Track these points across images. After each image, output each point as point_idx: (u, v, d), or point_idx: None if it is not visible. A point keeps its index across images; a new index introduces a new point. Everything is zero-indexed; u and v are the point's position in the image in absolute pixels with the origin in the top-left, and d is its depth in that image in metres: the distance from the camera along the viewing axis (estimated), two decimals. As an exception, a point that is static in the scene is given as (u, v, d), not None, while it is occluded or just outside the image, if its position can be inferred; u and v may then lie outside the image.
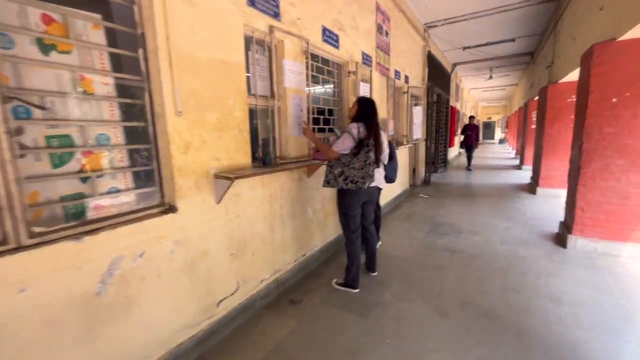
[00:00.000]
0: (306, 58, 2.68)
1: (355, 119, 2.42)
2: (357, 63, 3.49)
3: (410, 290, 2.55)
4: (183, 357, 1.77)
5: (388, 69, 4.67)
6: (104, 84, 1.48)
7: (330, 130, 3.22)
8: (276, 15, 2.33)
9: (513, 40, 7.83)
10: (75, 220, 1.38)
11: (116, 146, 1.53)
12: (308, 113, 2.93)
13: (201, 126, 1.80)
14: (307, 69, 2.70)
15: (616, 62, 2.90)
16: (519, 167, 9.45)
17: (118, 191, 1.55)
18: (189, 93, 1.71)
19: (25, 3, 1.23)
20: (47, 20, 1.30)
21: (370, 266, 2.81)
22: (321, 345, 1.93)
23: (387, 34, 4.56)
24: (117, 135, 1.55)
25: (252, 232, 2.24)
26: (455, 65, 10.32)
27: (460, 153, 14.12)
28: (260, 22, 2.19)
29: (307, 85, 2.75)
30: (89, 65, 1.43)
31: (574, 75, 4.29)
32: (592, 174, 3.15)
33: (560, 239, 3.55)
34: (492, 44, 8.10)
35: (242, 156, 2.10)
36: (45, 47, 1.30)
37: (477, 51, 8.70)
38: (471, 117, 9.30)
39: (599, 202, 3.15)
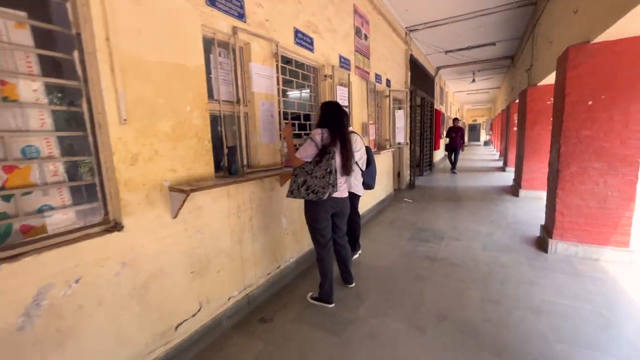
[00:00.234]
0: (276, 61, 2.55)
1: (319, 124, 2.29)
2: (333, 67, 3.39)
3: (388, 303, 2.44)
4: (133, 390, 1.60)
5: (368, 73, 4.60)
6: (31, 90, 1.32)
7: (307, 135, 3.10)
8: (241, 16, 2.20)
9: (494, 44, 7.93)
10: (-7, 245, 1.21)
11: (48, 159, 1.37)
12: (284, 119, 2.82)
13: (152, 135, 1.65)
14: (277, 72, 2.58)
15: (591, 65, 2.88)
16: (502, 169, 9.54)
17: (52, 209, 1.38)
18: (136, 99, 1.56)
19: None
20: (-45, 17, 1.14)
21: (346, 279, 2.68)
22: (289, 370, 1.79)
23: (366, 37, 4.49)
24: (49, 146, 1.38)
25: (217, 248, 2.09)
26: (438, 68, 10.40)
27: (445, 155, 14.22)
28: (222, 23, 2.06)
29: (279, 89, 2.63)
30: (12, 69, 1.27)
31: (551, 78, 4.30)
32: (571, 177, 3.12)
33: (541, 243, 3.51)
34: (473, 47, 8.17)
35: (203, 166, 1.95)
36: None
37: (460, 55, 8.78)
38: (455, 119, 9.32)
39: (578, 205, 3.12)
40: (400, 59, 6.44)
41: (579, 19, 3.11)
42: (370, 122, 4.75)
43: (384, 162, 5.57)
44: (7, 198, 1.27)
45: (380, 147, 5.40)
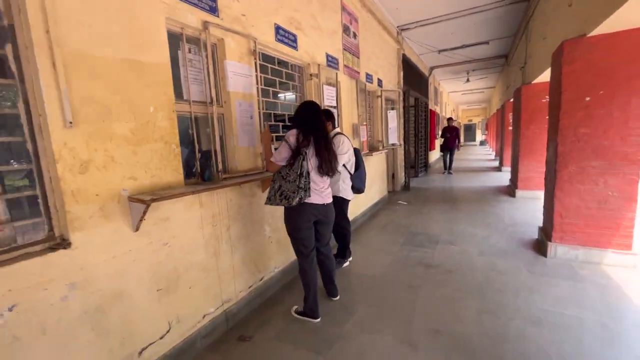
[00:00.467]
0: (255, 59, 2.39)
1: (294, 125, 2.12)
2: (319, 65, 3.23)
3: (378, 317, 2.27)
4: None
5: (358, 72, 4.45)
6: (-46, 89, 1.14)
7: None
8: (212, 10, 2.03)
9: (487, 42, 7.83)
10: None
11: (-23, 169, 1.19)
12: (267, 120, 2.66)
13: (107, 140, 1.47)
14: (256, 71, 2.41)
15: (587, 59, 2.75)
16: (498, 169, 9.43)
17: (-17, 226, 1.20)
18: (86, 99, 1.39)
19: None
20: None
21: (329, 291, 2.50)
22: (266, 398, 1.61)
23: (355, 35, 4.35)
24: (-21, 154, 1.21)
25: (189, 261, 1.91)
26: (432, 68, 10.30)
27: (441, 156, 14.12)
28: (190, 16, 1.90)
29: (258, 89, 2.46)
30: None
31: (546, 76, 4.17)
32: (569, 177, 2.98)
33: (540, 247, 3.36)
34: (466, 46, 8.07)
35: (170, 173, 1.78)
36: None
37: (453, 54, 8.67)
38: (449, 119, 9.18)
39: (577, 206, 2.98)
40: (392, 58, 6.31)
41: (574, 12, 2.98)
42: (362, 123, 4.59)
43: (377, 163, 5.42)
44: None
45: (373, 149, 5.25)
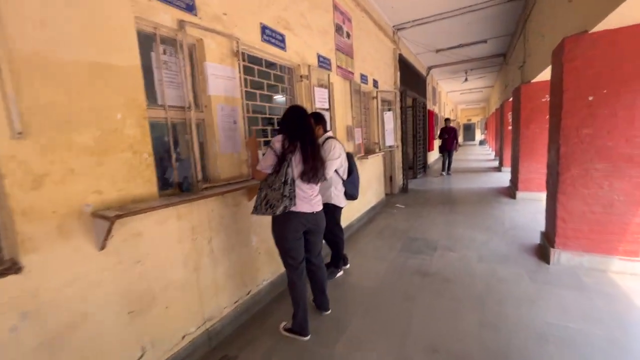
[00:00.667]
0: (238, 60, 2.26)
1: (279, 130, 2.02)
2: (309, 66, 3.10)
3: (371, 332, 2.13)
4: None
5: (352, 73, 4.32)
6: None
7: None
8: (189, 8, 1.90)
9: (485, 41, 7.71)
10: None
11: None
12: (253, 125, 2.53)
13: (65, 150, 1.34)
14: (240, 72, 2.28)
15: (590, 57, 2.61)
16: (498, 169, 9.29)
17: None
18: (40, 107, 1.25)
19: None
20: None
21: (320, 304, 2.37)
22: None
23: (348, 35, 4.22)
24: None
25: (165, 279, 1.77)
26: (430, 68, 10.18)
27: (440, 157, 13.99)
28: (163, 15, 1.76)
29: (243, 92, 2.33)
30: None
31: (546, 75, 4.04)
32: (572, 180, 2.84)
33: (542, 253, 3.22)
34: (464, 45, 7.95)
35: (142, 184, 1.64)
36: None
37: (450, 53, 8.55)
38: (447, 120, 9.02)
39: (581, 211, 2.84)
40: (388, 58, 6.18)
41: (574, 8, 2.85)
42: (356, 125, 4.46)
43: (373, 166, 5.28)
44: None
45: (369, 151, 5.11)
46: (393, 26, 6.29)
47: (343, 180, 2.81)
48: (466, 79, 11.47)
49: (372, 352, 1.93)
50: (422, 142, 9.57)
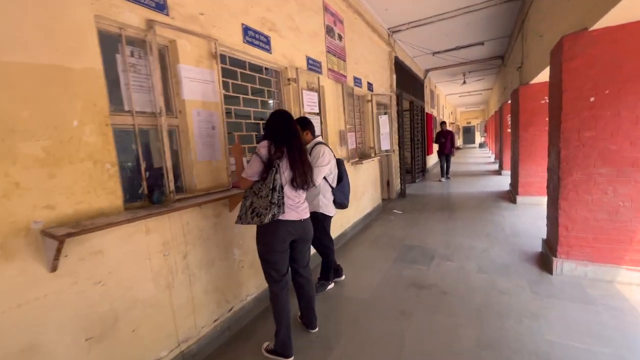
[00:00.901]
0: (217, 63, 2.13)
1: (264, 135, 1.92)
2: (297, 69, 2.97)
3: (361, 353, 1.97)
4: None
5: (345, 76, 4.20)
6: None
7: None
8: (160, 8, 1.78)
9: (482, 43, 7.61)
10: None
11: None
12: (236, 130, 2.40)
13: (8, 163, 1.20)
14: (219, 75, 2.15)
15: (590, 55, 2.48)
16: (498, 172, 9.14)
17: None
18: (-24, 114, 1.12)
19: None
20: None
21: (308, 321, 2.21)
22: None
23: (340, 37, 4.11)
24: None
25: (132, 299, 1.62)
26: (427, 71, 10.09)
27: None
28: (129, 15, 1.64)
29: (221, 96, 2.20)
30: None
31: (545, 76, 3.91)
32: (574, 185, 2.69)
33: (544, 262, 3.06)
34: (461, 48, 7.86)
35: (104, 197, 1.51)
36: None
37: (448, 56, 8.46)
38: (442, 123, 8.84)
39: (584, 218, 2.68)
40: (383, 61, 6.07)
41: (573, 5, 2.72)
42: (349, 129, 4.33)
43: (369, 171, 5.14)
44: None
45: (364, 156, 4.98)
46: (388, 29, 6.19)
47: (332, 188, 2.68)
48: (464, 82, 11.37)
49: (359, 377, 1.78)
50: (420, 146, 9.44)
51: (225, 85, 2.43)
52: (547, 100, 3.20)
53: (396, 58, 6.76)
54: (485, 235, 3.99)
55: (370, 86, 5.19)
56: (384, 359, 1.90)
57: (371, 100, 5.17)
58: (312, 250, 3.19)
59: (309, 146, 2.57)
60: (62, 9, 1.35)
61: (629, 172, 2.47)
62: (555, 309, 2.29)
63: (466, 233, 4.12)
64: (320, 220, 2.65)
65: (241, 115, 2.67)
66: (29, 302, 1.26)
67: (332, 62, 3.87)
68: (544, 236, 3.28)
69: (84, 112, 1.43)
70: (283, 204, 1.81)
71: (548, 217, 3.13)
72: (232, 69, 2.42)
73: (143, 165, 1.74)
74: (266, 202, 1.75)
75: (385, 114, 5.76)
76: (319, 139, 2.64)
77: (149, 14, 1.73)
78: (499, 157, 9.47)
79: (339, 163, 2.73)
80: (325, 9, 3.72)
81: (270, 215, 1.74)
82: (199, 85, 2.02)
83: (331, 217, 2.73)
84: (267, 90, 2.87)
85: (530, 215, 4.69)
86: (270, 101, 2.99)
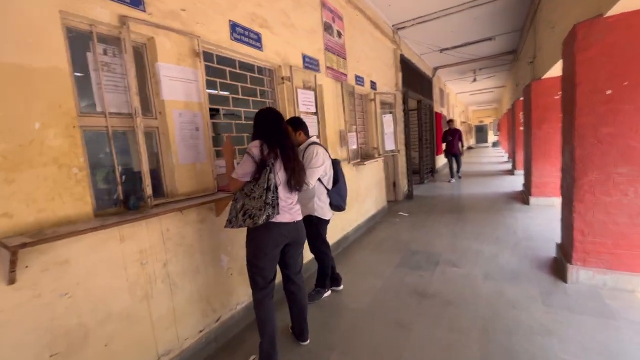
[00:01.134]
0: (200, 61, 2.03)
1: (254, 136, 1.83)
2: (291, 67, 2.85)
3: (352, 370, 1.82)
4: None
5: (345, 75, 4.06)
6: None
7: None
8: (136, 3, 1.69)
9: (492, 38, 7.33)
10: None
11: None
12: (226, 131, 2.30)
13: (-41, 167, 1.12)
14: (203, 74, 2.05)
15: (607, 44, 2.27)
16: (511, 172, 8.79)
17: None
18: None
19: None
20: None
21: (299, 332, 2.08)
22: None
23: (339, 34, 3.97)
24: None
25: (104, 311, 1.53)
26: (436, 69, 9.83)
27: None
28: (100, 11, 1.55)
29: (205, 96, 2.10)
30: None
31: (558, 69, 3.67)
32: (591, 186, 2.47)
33: (558, 268, 2.83)
34: (470, 44, 7.60)
35: (71, 203, 1.42)
36: None
37: (456, 53, 8.20)
38: (450, 121, 8.48)
39: (602, 222, 2.46)
40: (388, 59, 5.90)
41: (587, -10, 2.51)
42: (350, 129, 4.18)
43: (372, 172, 4.97)
44: None
45: (368, 156, 4.82)
46: (392, 25, 6.02)
47: (328, 190, 2.54)
48: (474, 79, 11.04)
49: (349, 398, 1.63)
50: (429, 146, 9.18)
51: (213, 85, 2.34)
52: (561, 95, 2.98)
53: (402, 56, 6.57)
54: (494, 239, 3.77)
55: (373, 85, 5.03)
56: (377, 377, 1.75)
57: (374, 99, 5.01)
58: (306, 259, 3.07)
59: (302, 146, 2.46)
60: (19, 3, 1.27)
61: (652, 172, 2.24)
62: (570, 324, 2.08)
63: (474, 236, 3.91)
64: (314, 224, 2.52)
65: (234, 115, 2.58)
66: (-17, 318, 1.17)
67: (331, 60, 3.74)
68: (559, 240, 3.05)
69: (48, 114, 1.34)
70: (277, 204, 1.72)
71: (562, 221, 2.90)
72: (220, 68, 2.32)
73: (118, 170, 1.65)
74: (260, 203, 1.66)
75: (390, 113, 5.58)
76: (313, 138, 2.51)
77: (123, 9, 1.64)
78: (512, 157, 9.12)
79: (335, 164, 2.59)
80: (323, 5, 3.59)
81: (264, 216, 1.65)
82: (180, 85, 1.92)
83: (326, 220, 2.60)
84: (260, 89, 2.76)
85: (544, 218, 4.42)
86: (266, 101, 2.88)
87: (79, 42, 1.54)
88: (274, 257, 1.84)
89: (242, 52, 2.42)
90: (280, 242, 1.83)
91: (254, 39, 2.51)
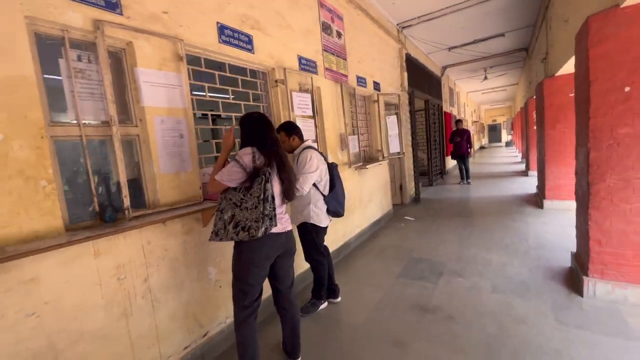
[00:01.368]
0: (184, 65, 1.95)
1: (244, 143, 1.72)
2: (285, 69, 2.75)
3: (343, 394, 1.70)
4: None
5: (346, 76, 3.93)
6: None
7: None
8: (112, 7, 1.62)
9: (503, 35, 7.07)
10: None
11: None
12: (213, 138, 2.21)
13: None
14: (187, 79, 1.97)
15: (624, 37, 2.07)
16: (525, 173, 8.46)
17: None
18: None
19: None
20: None
21: (291, 349, 1.96)
22: None
23: (339, 34, 3.85)
24: None
25: (76, 331, 1.45)
26: (445, 68, 9.58)
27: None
28: (72, 15, 1.48)
29: (190, 101, 2.02)
30: None
31: (572, 66, 3.45)
32: (608, 192, 2.27)
33: (573, 281, 2.63)
34: (479, 41, 7.34)
35: (39, 218, 1.35)
36: None
37: (466, 50, 7.95)
38: (458, 121, 8.16)
39: (621, 231, 2.25)
40: (392, 59, 5.74)
41: (601, -20, 2.31)
42: (351, 132, 4.05)
43: (376, 176, 4.82)
44: None
45: (371, 160, 4.67)
46: (397, 24, 5.86)
47: (324, 196, 2.43)
48: (485, 77, 10.70)
49: None
50: (438, 147, 8.93)
51: (201, 89, 2.27)
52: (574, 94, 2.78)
53: (407, 55, 6.40)
54: (504, 246, 3.56)
55: (376, 85, 4.88)
56: (369, 402, 1.62)
57: (378, 101, 4.86)
58: (302, 269, 2.95)
59: (297, 151, 2.36)
60: (-20, 9, 1.21)
61: (678, 177, 2.03)
62: (586, 345, 1.90)
63: (482, 244, 3.71)
64: (309, 232, 2.42)
65: (229, 120, 2.49)
66: (-62, 343, 1.11)
67: (330, 61, 3.62)
68: (574, 249, 2.84)
69: (11, 125, 1.28)
70: (275, 216, 1.62)
71: (577, 228, 2.70)
72: (208, 72, 2.24)
73: (94, 181, 1.58)
74: (256, 215, 1.55)
75: (395, 114, 5.41)
76: (308, 142, 2.41)
77: (97, 13, 1.57)
78: (526, 157, 8.78)
79: (331, 168, 2.48)
80: (321, 4, 3.48)
81: (263, 229, 1.55)
82: (162, 91, 1.84)
83: (323, 228, 2.48)
84: (254, 93, 2.67)
85: (559, 223, 4.17)
86: (259, 105, 2.78)
87: (52, 48, 1.48)
88: (264, 271, 1.74)
89: (232, 55, 2.33)
90: (272, 255, 1.73)
91: (244, 41, 2.42)
